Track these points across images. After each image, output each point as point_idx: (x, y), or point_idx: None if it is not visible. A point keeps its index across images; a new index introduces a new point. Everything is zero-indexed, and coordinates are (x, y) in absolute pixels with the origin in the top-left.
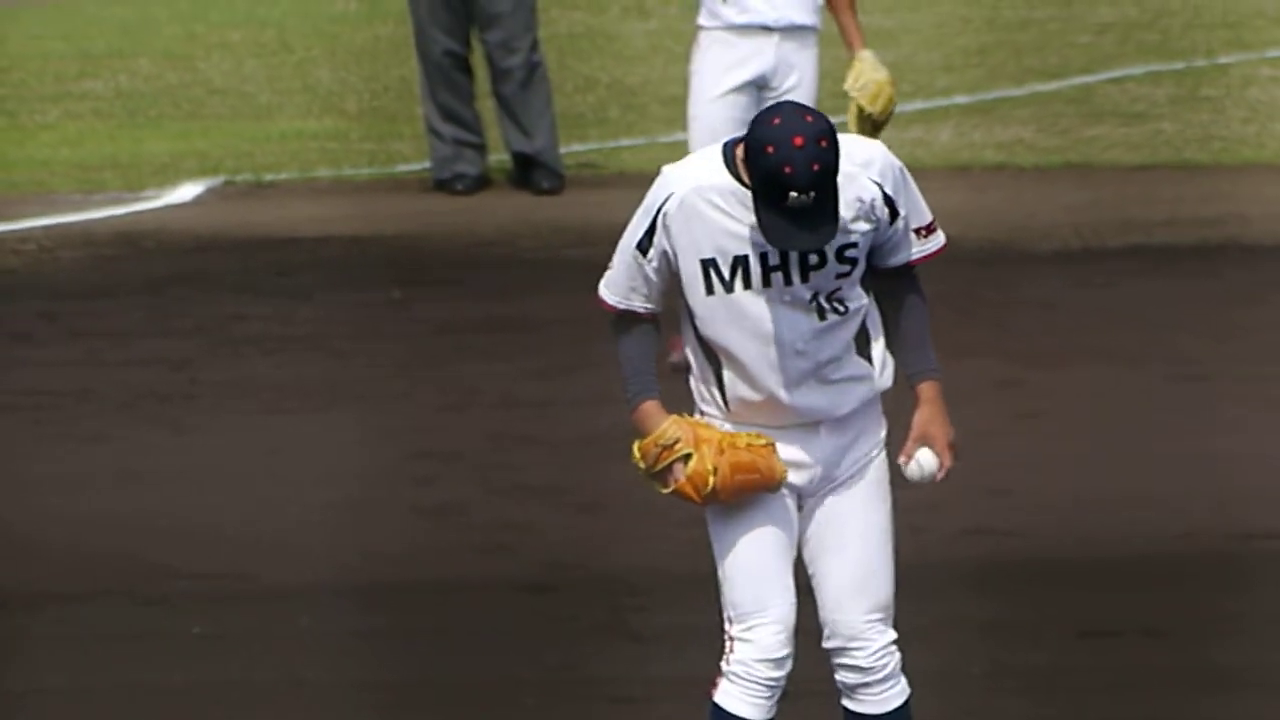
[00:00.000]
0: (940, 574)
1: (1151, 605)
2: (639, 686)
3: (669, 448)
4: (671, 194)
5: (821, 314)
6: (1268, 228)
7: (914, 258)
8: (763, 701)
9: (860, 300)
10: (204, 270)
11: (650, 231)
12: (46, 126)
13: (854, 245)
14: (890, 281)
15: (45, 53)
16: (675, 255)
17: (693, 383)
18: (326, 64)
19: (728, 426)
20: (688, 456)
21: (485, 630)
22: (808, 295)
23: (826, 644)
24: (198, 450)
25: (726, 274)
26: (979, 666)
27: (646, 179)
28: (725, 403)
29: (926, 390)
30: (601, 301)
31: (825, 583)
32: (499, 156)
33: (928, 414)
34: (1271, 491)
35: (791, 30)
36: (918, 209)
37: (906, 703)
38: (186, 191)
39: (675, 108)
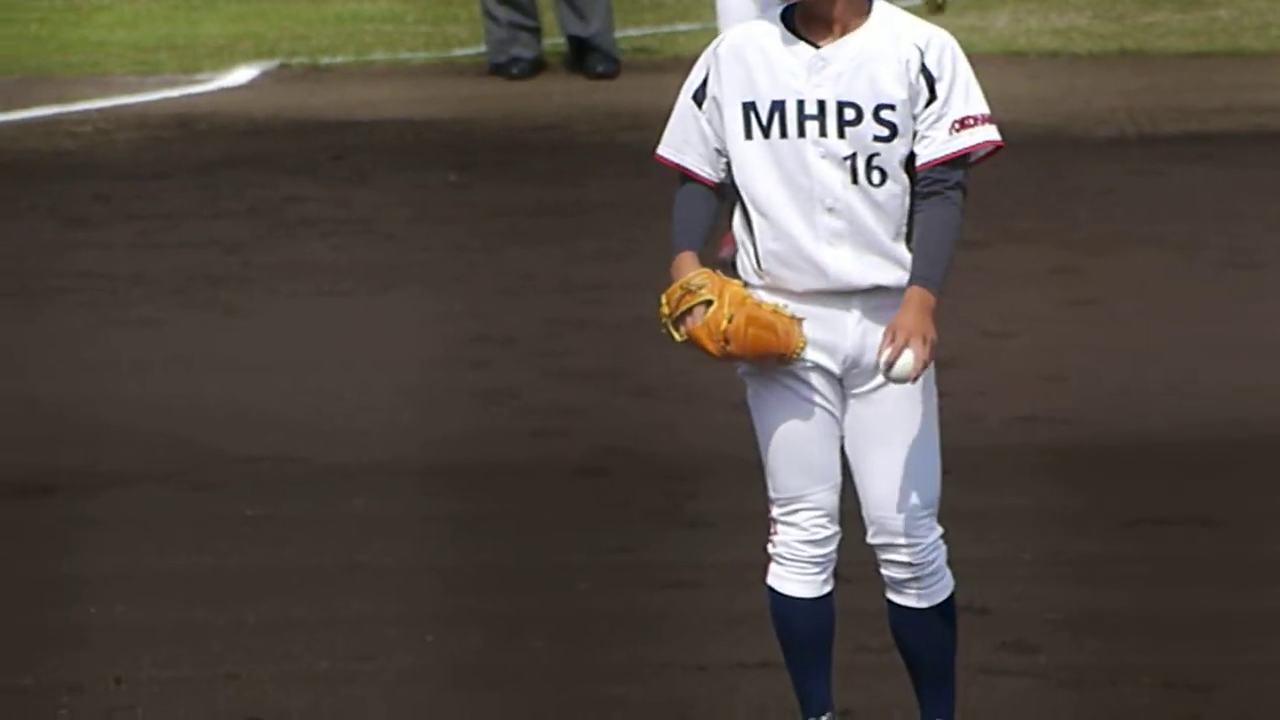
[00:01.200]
0: (994, 460)
1: (1204, 494)
2: (692, 572)
3: (692, 292)
4: (724, 39)
5: (854, 175)
6: None
7: (943, 154)
8: (813, 578)
9: (900, 183)
10: (259, 153)
11: (705, 80)
12: (102, 8)
13: (891, 108)
14: (924, 189)
15: None
16: (722, 101)
17: (738, 257)
18: None
19: (763, 295)
20: (709, 303)
21: (539, 514)
22: (843, 152)
23: (872, 540)
24: (251, 334)
25: (764, 118)
26: (1030, 553)
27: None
28: (758, 259)
29: (914, 294)
30: (658, 157)
31: (870, 481)
32: (554, 41)
33: (903, 313)
34: None
35: None
36: (965, 96)
37: (951, 596)
38: (242, 74)
39: None
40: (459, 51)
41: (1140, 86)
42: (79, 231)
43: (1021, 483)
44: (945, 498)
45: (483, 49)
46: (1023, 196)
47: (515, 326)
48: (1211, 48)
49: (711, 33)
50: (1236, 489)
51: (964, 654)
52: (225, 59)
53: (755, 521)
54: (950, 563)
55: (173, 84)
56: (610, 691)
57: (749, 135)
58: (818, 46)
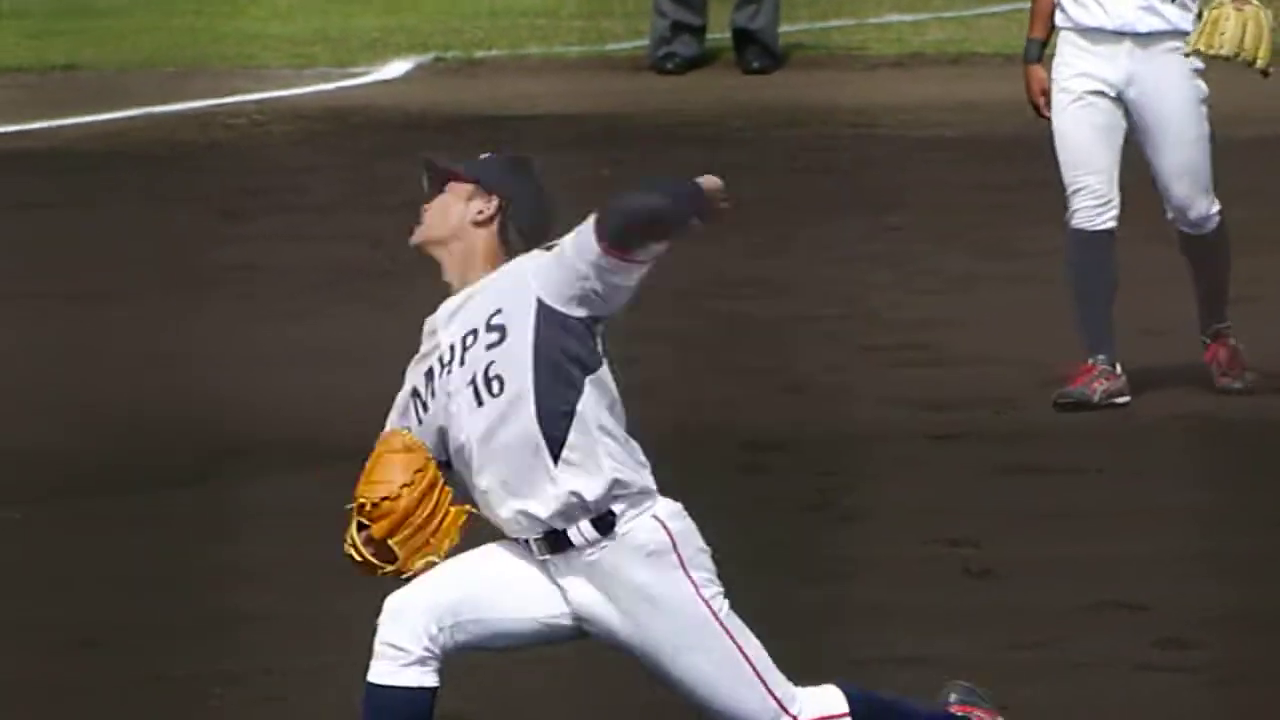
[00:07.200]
0: (1153, 458)
1: None
2: (847, 565)
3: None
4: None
5: (478, 398)
6: None
7: None
8: None
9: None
10: (412, 146)
11: None
12: (257, 1)
13: (499, 311)
14: None
15: None
16: None
17: None
18: None
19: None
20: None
21: (692, 507)
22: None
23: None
24: (395, 326)
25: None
26: (1191, 550)
27: (856, 60)
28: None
29: None
30: None
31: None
32: (715, 36)
33: None
34: None
35: (1138, 37)
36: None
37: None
38: (396, 68)
39: None
40: (613, 46)
41: None
42: (232, 224)
43: (1181, 480)
44: (1102, 496)
45: (637, 44)
46: None
47: (667, 321)
48: None
49: (865, 30)
50: None
51: (1119, 650)
52: (379, 52)
53: (909, 515)
54: (1110, 557)
55: (327, 77)
56: None
57: (419, 420)
58: None
